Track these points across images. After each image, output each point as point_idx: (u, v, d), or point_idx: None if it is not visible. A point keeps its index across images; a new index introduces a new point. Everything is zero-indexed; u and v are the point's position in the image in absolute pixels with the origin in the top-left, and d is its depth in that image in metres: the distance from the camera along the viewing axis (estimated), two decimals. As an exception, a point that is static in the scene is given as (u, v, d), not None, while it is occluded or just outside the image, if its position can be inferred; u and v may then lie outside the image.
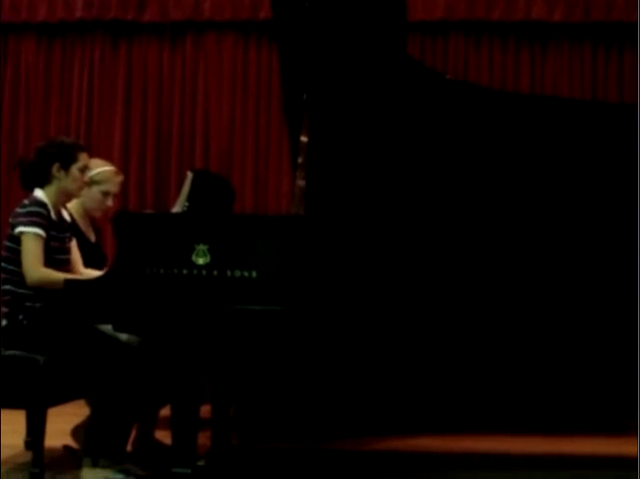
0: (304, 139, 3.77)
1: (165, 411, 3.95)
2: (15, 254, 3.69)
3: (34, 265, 3.63)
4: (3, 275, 3.75)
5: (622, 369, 4.29)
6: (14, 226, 3.71)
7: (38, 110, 6.64)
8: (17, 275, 3.69)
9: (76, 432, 4.13)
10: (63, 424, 4.16)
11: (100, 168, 4.27)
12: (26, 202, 3.76)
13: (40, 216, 3.69)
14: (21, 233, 3.67)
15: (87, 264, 4.03)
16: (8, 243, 3.73)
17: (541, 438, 4.68)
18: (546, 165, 3.75)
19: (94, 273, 3.80)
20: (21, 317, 3.70)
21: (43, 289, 3.63)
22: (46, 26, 6.60)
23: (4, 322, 3.74)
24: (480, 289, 3.49)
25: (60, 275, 3.61)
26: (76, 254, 3.99)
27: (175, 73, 6.59)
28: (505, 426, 4.86)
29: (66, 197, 3.88)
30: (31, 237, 3.66)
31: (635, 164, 3.65)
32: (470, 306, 3.49)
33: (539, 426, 4.86)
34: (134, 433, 3.92)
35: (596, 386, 4.88)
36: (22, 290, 3.69)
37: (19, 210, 3.74)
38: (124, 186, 4.58)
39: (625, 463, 3.98)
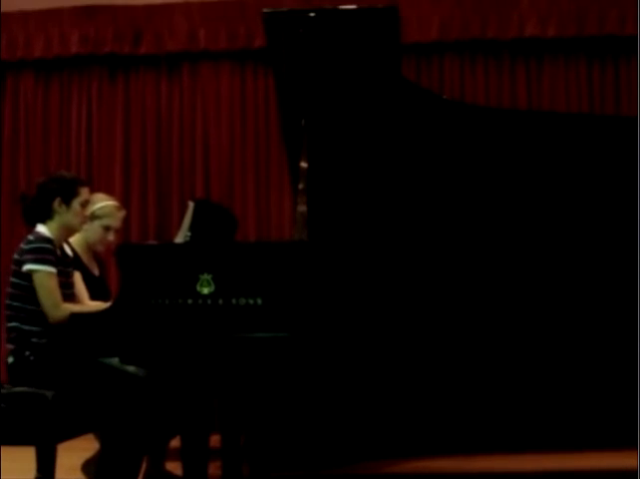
0: (304, 165, 3.77)
1: (175, 442, 3.94)
2: (22, 291, 3.69)
3: (55, 304, 3.65)
4: (8, 312, 3.75)
5: (622, 382, 4.27)
6: (22, 263, 3.70)
7: (38, 145, 6.66)
8: (23, 312, 3.69)
9: (86, 467, 4.11)
10: (73, 459, 4.14)
11: (102, 202, 4.28)
12: (31, 237, 3.76)
13: (49, 252, 3.70)
14: (32, 271, 3.67)
15: (91, 299, 4.03)
16: (14, 280, 3.72)
17: (548, 455, 4.68)
18: (548, 180, 3.75)
19: (102, 306, 3.80)
20: (27, 354, 3.69)
21: (52, 325, 3.64)
22: (43, 62, 6.64)
23: (11, 359, 3.74)
24: (484, 309, 3.48)
25: (81, 308, 3.64)
26: (81, 287, 4.00)
27: (173, 103, 6.62)
28: (512, 444, 4.84)
29: (68, 231, 3.89)
30: (44, 275, 3.66)
31: (635, 175, 3.65)
32: (475, 327, 3.48)
33: (546, 443, 4.84)
34: (144, 466, 3.90)
35: (597, 400, 4.87)
36: (28, 327, 3.69)
37: (24, 246, 3.73)
38: (126, 218, 4.58)
39: (625, 477, 3.97)
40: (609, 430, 4.85)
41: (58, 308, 3.63)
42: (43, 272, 3.66)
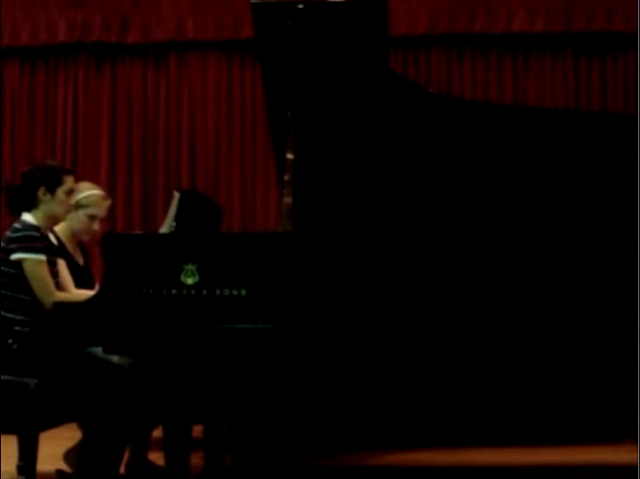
0: (290, 156, 3.77)
1: (158, 432, 3.94)
2: (6, 278, 3.68)
3: (49, 291, 3.66)
4: (-8, 300, 3.74)
5: (621, 377, 4.29)
6: (9, 251, 3.69)
7: (23, 134, 6.64)
8: (8, 300, 3.68)
9: (68, 456, 4.10)
10: (55, 448, 4.13)
11: (87, 191, 4.27)
12: (18, 226, 3.74)
13: (37, 240, 3.70)
14: (22, 259, 3.66)
15: (76, 287, 4.02)
16: (1, 268, 3.72)
17: (539, 449, 4.68)
18: (533, 175, 3.76)
19: (87, 294, 3.79)
20: (10, 341, 3.68)
21: (37, 313, 3.64)
22: (29, 50, 6.62)
23: (-7, 347, 3.73)
24: (475, 301, 3.48)
25: (75, 296, 3.69)
26: (66, 275, 3.99)
27: (160, 93, 6.61)
28: (500, 438, 4.85)
29: (52, 220, 3.88)
30: (34, 263, 3.66)
31: (629, 172, 3.65)
32: (466, 320, 3.48)
33: (537, 437, 4.85)
34: (126, 455, 3.90)
35: (595, 395, 4.88)
36: (11, 315, 3.68)
37: (11, 234, 3.72)
38: (111, 207, 4.57)
39: (624, 472, 3.98)
40: (608, 424, 4.87)
41: (52, 295, 3.64)
42: (32, 261, 3.66)
